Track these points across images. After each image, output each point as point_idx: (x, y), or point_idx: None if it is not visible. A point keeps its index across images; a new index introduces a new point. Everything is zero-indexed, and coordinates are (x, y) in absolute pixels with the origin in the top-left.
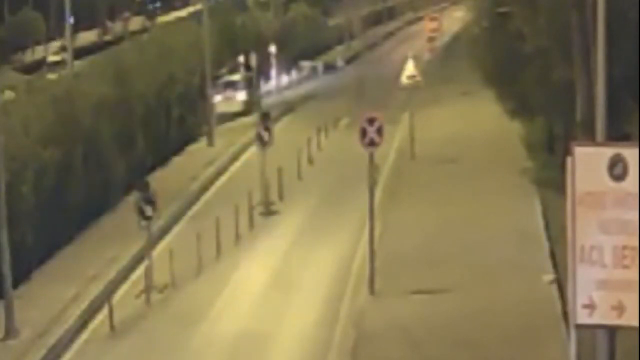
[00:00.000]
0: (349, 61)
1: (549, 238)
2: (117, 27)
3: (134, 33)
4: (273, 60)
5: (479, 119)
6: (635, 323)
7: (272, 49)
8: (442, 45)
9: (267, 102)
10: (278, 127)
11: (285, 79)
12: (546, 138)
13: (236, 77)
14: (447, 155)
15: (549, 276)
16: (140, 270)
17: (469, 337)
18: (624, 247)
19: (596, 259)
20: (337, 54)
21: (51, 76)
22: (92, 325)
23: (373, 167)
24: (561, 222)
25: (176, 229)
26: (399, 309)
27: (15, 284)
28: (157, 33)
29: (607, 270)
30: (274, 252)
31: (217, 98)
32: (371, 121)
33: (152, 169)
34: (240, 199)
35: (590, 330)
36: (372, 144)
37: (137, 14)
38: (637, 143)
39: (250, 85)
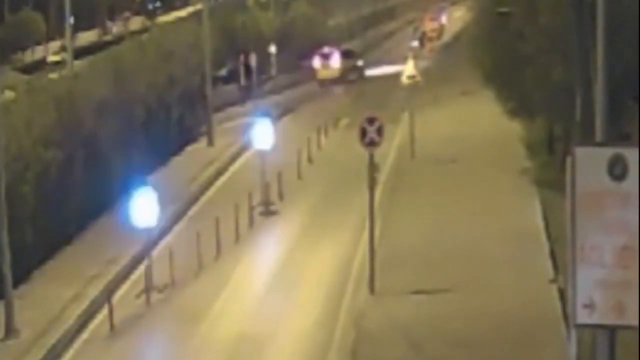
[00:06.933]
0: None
1: (549, 238)
2: (117, 27)
3: (134, 33)
4: (273, 60)
5: (479, 118)
6: (635, 323)
7: (272, 49)
8: (442, 45)
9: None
10: (278, 127)
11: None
12: (546, 138)
13: None
14: (447, 155)
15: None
16: (140, 270)
17: (469, 337)
18: (624, 247)
19: (596, 259)
20: None
21: (51, 76)
22: (92, 325)
23: (373, 167)
24: (561, 222)
25: (176, 229)
26: (399, 308)
27: (16, 284)
28: (157, 33)
29: (607, 270)
30: (274, 252)
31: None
32: (371, 121)
33: (152, 169)
34: (240, 199)
35: (590, 330)
36: (372, 144)
37: (137, 14)
38: (637, 143)
39: None
